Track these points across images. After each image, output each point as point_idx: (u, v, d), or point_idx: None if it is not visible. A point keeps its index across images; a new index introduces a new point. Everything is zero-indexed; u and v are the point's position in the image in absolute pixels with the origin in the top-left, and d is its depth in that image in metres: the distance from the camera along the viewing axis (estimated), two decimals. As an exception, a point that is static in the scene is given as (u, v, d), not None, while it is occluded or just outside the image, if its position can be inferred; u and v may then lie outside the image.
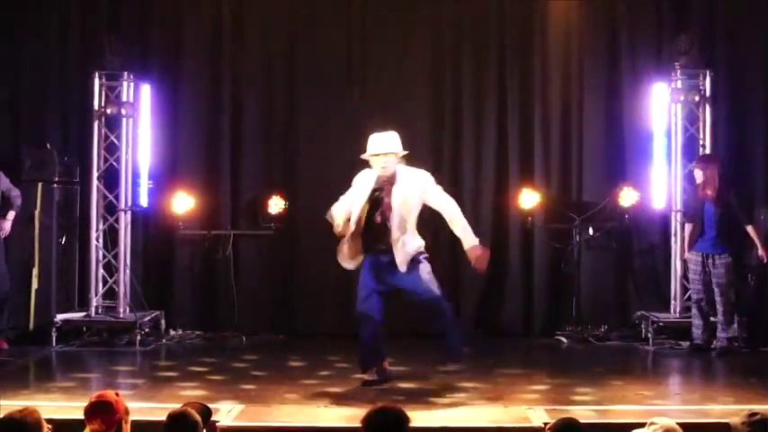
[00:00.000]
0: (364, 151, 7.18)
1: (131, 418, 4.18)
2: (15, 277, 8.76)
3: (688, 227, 8.72)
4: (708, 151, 9.11)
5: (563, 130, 9.81)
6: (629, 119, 9.62)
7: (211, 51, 9.85)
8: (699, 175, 8.51)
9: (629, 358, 8.62)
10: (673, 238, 9.24)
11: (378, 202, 6.90)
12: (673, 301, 9.20)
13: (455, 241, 9.65)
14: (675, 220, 9.22)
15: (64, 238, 9.25)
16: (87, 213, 9.29)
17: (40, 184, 8.99)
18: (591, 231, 9.56)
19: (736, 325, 8.45)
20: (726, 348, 8.35)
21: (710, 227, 8.42)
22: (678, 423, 3.94)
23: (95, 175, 9.26)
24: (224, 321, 9.59)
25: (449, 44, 9.86)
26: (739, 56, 9.57)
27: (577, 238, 9.53)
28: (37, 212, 8.98)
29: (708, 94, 9.20)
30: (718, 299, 8.40)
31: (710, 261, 8.42)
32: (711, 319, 8.53)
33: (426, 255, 6.99)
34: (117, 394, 4.17)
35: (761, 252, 8.42)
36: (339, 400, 6.44)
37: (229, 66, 9.82)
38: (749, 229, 8.41)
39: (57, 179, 9.15)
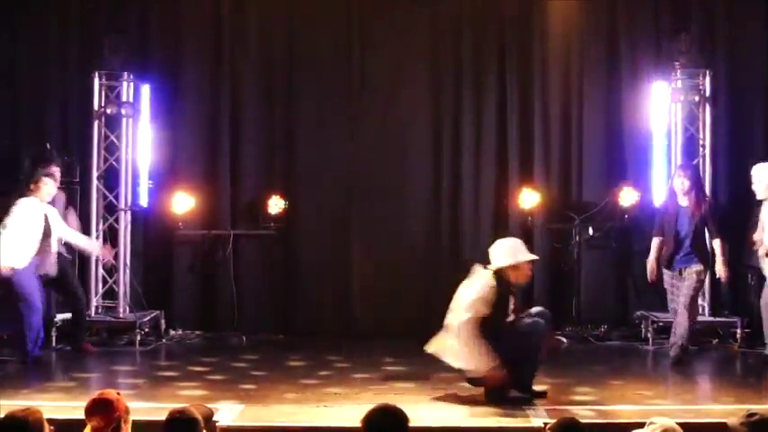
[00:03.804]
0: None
1: (132, 417, 4.18)
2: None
3: (656, 240, 8.19)
4: (708, 151, 9.13)
5: (563, 130, 9.81)
6: (629, 119, 9.63)
7: (211, 51, 9.86)
8: (685, 184, 8.00)
9: (629, 358, 8.61)
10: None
11: None
12: (673, 302, 9.20)
13: (455, 242, 9.75)
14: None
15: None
16: (87, 213, 9.29)
17: (40, 184, 8.98)
18: (591, 231, 9.56)
19: (686, 332, 7.85)
20: (679, 357, 7.85)
21: (685, 237, 7.96)
22: (678, 423, 3.94)
23: (95, 175, 9.27)
24: (224, 321, 9.60)
25: (449, 44, 9.86)
26: (739, 55, 9.58)
27: (577, 238, 9.53)
28: (37, 212, 8.97)
29: (708, 93, 9.21)
30: (681, 307, 7.88)
31: (682, 275, 7.97)
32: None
33: None
34: (118, 393, 4.18)
35: (721, 269, 7.98)
36: (339, 400, 6.44)
37: (229, 66, 9.83)
38: (716, 243, 7.96)
39: (57, 179, 9.15)
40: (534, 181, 9.68)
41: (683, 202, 8.04)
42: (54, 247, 8.21)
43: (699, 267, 7.92)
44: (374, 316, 9.53)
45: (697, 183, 8.12)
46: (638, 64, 9.67)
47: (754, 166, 8.08)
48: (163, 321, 9.39)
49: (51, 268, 8.20)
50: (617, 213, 9.46)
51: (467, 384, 6.68)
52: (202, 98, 9.83)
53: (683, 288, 7.93)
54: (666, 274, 8.12)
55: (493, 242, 9.62)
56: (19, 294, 7.89)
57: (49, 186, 8.14)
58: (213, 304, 9.72)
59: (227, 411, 5.84)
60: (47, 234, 8.08)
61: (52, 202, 8.27)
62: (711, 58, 9.39)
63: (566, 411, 5.75)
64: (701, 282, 8.04)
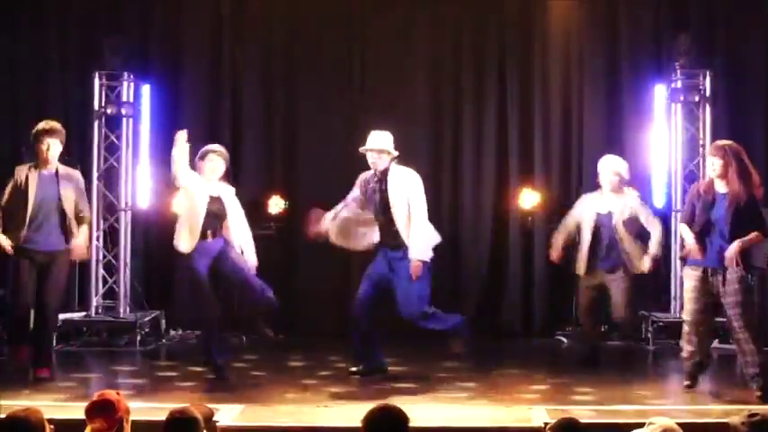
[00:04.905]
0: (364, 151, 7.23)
1: (132, 417, 4.18)
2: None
3: (684, 226, 6.73)
4: (708, 151, 9.11)
5: (563, 130, 9.82)
6: (629, 119, 9.63)
7: (211, 51, 9.86)
8: (716, 164, 6.53)
9: (629, 358, 8.62)
10: (672, 238, 9.23)
11: (372, 197, 7.30)
12: (673, 301, 9.19)
13: (455, 241, 9.74)
14: (675, 220, 9.21)
15: (64, 238, 9.23)
16: (87, 213, 9.29)
17: (40, 184, 8.97)
18: (591, 231, 9.53)
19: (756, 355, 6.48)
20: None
21: (721, 232, 6.47)
22: (678, 423, 3.94)
23: (95, 175, 9.27)
24: (224, 321, 9.57)
25: (449, 44, 9.87)
26: (739, 56, 9.59)
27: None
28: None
29: (708, 94, 9.22)
30: (735, 324, 6.46)
31: (719, 278, 6.48)
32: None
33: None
34: (118, 393, 4.18)
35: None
36: (339, 400, 6.44)
37: (229, 65, 9.84)
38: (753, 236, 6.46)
39: (57, 179, 9.14)
40: (534, 181, 9.68)
41: (721, 187, 6.53)
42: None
43: (740, 273, 6.43)
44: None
45: (740, 163, 6.46)
46: (638, 64, 9.67)
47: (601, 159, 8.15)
48: (163, 321, 9.40)
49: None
50: (617, 213, 9.44)
51: (467, 384, 6.69)
52: (202, 98, 9.83)
53: (730, 296, 6.44)
54: (690, 271, 6.65)
55: (492, 242, 9.75)
56: None
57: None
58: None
59: (227, 411, 5.84)
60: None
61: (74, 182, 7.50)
62: (711, 58, 9.39)
63: (566, 411, 5.74)
64: (748, 291, 6.49)
